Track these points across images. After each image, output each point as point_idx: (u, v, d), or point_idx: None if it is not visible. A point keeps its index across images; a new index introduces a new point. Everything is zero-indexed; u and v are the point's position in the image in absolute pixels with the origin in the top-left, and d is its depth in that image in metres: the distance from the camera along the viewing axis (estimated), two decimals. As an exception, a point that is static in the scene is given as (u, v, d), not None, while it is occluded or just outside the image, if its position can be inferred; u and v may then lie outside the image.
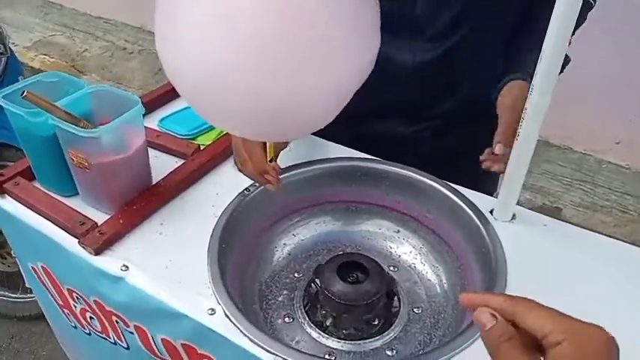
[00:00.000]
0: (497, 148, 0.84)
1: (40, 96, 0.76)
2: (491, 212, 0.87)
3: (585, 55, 2.25)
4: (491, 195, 0.94)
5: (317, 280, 0.84)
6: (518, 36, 0.97)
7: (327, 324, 0.82)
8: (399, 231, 0.98)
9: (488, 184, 1.11)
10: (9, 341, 1.89)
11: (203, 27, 0.48)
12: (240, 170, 0.89)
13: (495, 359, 0.40)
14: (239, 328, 0.69)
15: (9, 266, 1.90)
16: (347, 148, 1.03)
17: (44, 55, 3.44)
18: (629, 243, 0.83)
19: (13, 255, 1.15)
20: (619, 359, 0.36)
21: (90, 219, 0.84)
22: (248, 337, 0.69)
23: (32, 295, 1.90)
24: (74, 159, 0.82)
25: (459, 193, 0.90)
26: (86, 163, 0.81)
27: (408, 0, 0.93)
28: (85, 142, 0.78)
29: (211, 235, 0.83)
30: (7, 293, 1.93)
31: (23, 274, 1.08)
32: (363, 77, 0.54)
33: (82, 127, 0.79)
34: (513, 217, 0.86)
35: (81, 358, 1.19)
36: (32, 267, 0.98)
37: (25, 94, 0.75)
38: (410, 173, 0.95)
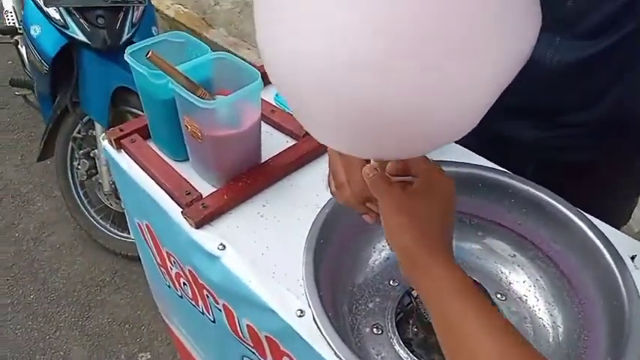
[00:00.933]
0: None
1: (164, 59, 0.75)
2: (632, 259, 0.74)
3: None
4: (618, 228, 0.80)
5: (413, 293, 0.78)
6: None
7: (417, 343, 0.76)
8: (514, 255, 0.87)
9: (617, 212, 0.96)
10: (112, 276, 2.04)
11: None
12: (332, 194, 0.69)
13: (376, 194, 0.55)
14: (325, 338, 0.65)
15: (122, 207, 2.03)
16: (468, 150, 0.93)
17: (179, 4, 3.57)
18: None
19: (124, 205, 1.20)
20: (453, 199, 0.55)
21: (196, 190, 0.83)
22: (333, 349, 0.64)
23: (137, 237, 2.04)
24: (189, 127, 0.80)
25: (597, 228, 0.77)
26: (199, 134, 0.79)
27: None
28: (201, 112, 0.76)
29: (311, 229, 0.78)
30: (116, 231, 2.07)
31: (129, 225, 1.12)
32: (517, 68, 0.43)
33: (199, 96, 0.76)
34: (662, 269, 0.73)
35: (169, 313, 1.23)
36: (138, 223, 1.01)
37: (149, 54, 0.73)
38: (541, 194, 0.83)
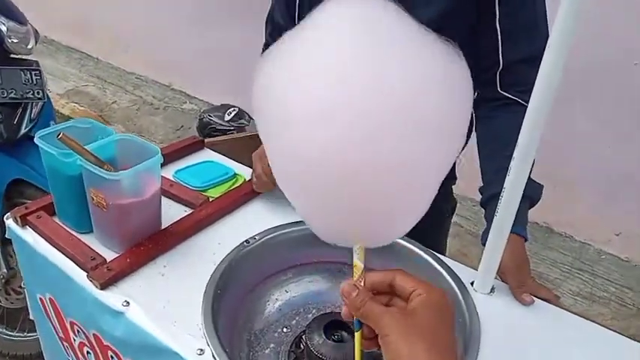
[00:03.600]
0: (527, 300, 0.90)
1: (74, 139, 0.86)
2: (472, 284, 0.93)
3: (586, 150, 2.36)
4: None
5: (303, 337, 0.89)
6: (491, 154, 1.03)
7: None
8: (386, 295, 1.03)
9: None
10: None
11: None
12: (255, 188, 1.09)
13: (361, 317, 0.52)
14: (224, 371, 0.74)
15: (12, 303, 1.94)
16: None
17: (75, 103, 3.63)
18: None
19: (23, 286, 1.21)
20: (453, 310, 0.52)
21: (100, 255, 0.91)
22: (232, 379, 0.73)
23: (30, 335, 1.94)
24: (94, 198, 0.90)
25: (443, 262, 0.96)
26: (105, 203, 0.89)
27: None
28: (107, 183, 0.87)
29: (208, 281, 0.89)
30: (5, 331, 1.97)
31: (29, 305, 1.14)
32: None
33: (105, 170, 0.87)
34: (492, 289, 0.92)
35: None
36: (40, 298, 1.04)
37: (60, 135, 0.84)
38: (403, 242, 1.01)
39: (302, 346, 0.90)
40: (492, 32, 0.99)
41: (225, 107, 2.71)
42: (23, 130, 1.81)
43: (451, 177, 1.24)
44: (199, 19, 3.40)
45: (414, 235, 1.02)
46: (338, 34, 0.49)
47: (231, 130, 2.63)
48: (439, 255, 0.97)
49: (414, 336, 0.49)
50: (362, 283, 0.53)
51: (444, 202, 1.25)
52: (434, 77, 0.49)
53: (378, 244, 0.55)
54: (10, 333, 1.97)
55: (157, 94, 3.77)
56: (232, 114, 2.66)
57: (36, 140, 0.93)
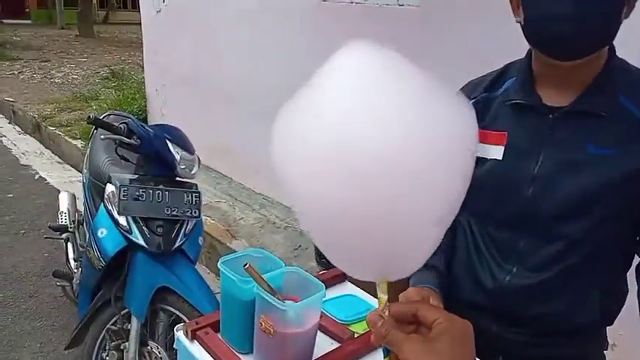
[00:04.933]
0: None
1: (256, 270, 0.99)
2: None
3: None
4: None
5: None
6: None
7: None
8: None
9: None
10: None
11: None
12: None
13: (387, 344, 0.57)
14: None
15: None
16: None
17: (207, 216, 3.99)
18: None
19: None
20: (473, 340, 0.56)
21: (260, 378, 0.99)
22: None
23: None
24: (263, 324, 1.00)
25: None
26: (272, 330, 0.98)
27: (515, 235, 1.10)
28: (277, 312, 0.97)
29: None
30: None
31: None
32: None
33: (278, 299, 0.98)
34: None
35: None
36: (193, 409, 1.12)
37: (247, 266, 0.97)
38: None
39: None
40: None
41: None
42: (178, 244, 2.04)
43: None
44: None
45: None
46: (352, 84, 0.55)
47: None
48: None
49: (434, 358, 0.53)
50: (386, 313, 0.59)
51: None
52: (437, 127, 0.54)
53: (398, 277, 0.61)
54: None
55: (280, 214, 4.03)
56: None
57: (220, 265, 1.07)
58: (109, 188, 2.06)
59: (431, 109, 0.55)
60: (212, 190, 4.46)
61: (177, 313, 2.02)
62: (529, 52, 1.13)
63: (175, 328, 1.16)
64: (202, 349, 1.09)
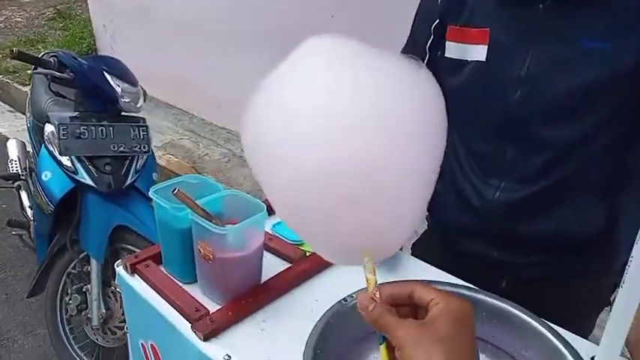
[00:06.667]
0: None
1: (187, 194, 0.90)
2: (592, 359, 0.85)
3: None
4: (585, 337, 0.92)
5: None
6: None
7: None
8: (491, 365, 0.96)
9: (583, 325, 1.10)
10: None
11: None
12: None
13: (379, 329, 0.51)
14: None
15: (107, 342, 2.03)
16: (440, 271, 1.07)
17: (171, 154, 3.87)
18: None
19: (124, 329, 1.26)
20: (473, 320, 0.50)
21: (204, 307, 0.93)
22: None
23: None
24: (202, 250, 0.93)
25: (560, 335, 0.88)
26: (211, 256, 0.91)
27: (500, 146, 1.01)
28: (215, 237, 0.90)
29: (308, 340, 0.87)
30: (97, 368, 2.05)
31: (130, 350, 1.18)
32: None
33: (214, 224, 0.90)
34: (617, 369, 0.83)
35: None
36: (142, 343, 1.07)
37: (176, 191, 0.89)
38: (509, 307, 0.95)
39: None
40: None
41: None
42: (129, 181, 1.94)
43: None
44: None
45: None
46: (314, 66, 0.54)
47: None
48: (553, 325, 0.90)
49: (429, 346, 0.47)
50: (377, 295, 0.53)
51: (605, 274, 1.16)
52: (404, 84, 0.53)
53: (383, 255, 0.57)
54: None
55: (245, 147, 3.93)
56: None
57: (151, 194, 0.98)
58: (48, 128, 1.93)
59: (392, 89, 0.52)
60: (173, 127, 4.30)
61: (137, 251, 1.95)
62: None
63: (115, 264, 1.09)
64: (143, 282, 1.02)
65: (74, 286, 2.02)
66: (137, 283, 1.03)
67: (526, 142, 1.02)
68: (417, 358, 0.47)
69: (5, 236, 2.99)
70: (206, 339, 0.88)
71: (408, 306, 0.53)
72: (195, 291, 0.99)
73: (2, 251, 2.93)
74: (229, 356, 0.85)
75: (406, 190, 0.53)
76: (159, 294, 0.99)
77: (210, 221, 0.91)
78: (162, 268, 1.06)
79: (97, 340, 2.03)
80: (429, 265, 1.09)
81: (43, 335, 2.18)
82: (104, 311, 1.95)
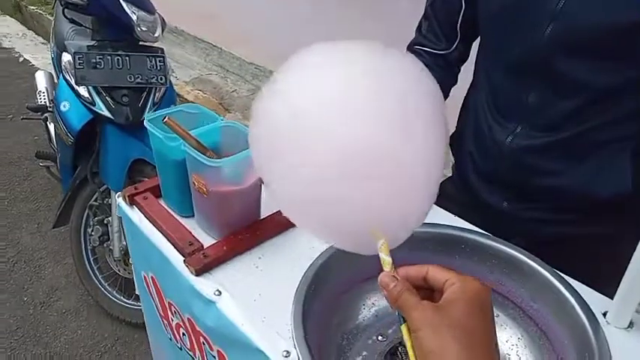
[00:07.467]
0: None
1: (178, 123, 0.85)
2: (604, 315, 0.79)
3: None
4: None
5: (399, 350, 0.81)
6: None
7: (402, 396, 0.79)
8: (498, 315, 0.91)
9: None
10: (114, 342, 2.06)
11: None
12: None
13: (399, 308, 0.50)
14: (310, 377, 0.69)
15: (129, 273, 2.08)
16: (452, 215, 1.01)
17: (199, 90, 3.83)
18: None
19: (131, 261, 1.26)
20: (490, 301, 0.49)
21: (198, 241, 0.90)
22: (317, 388, 0.68)
23: (140, 304, 2.08)
24: (196, 183, 0.89)
25: (571, 286, 0.82)
26: (205, 189, 0.88)
27: (523, 86, 0.91)
28: (208, 170, 0.85)
29: (302, 278, 0.84)
30: (122, 298, 2.12)
31: (135, 280, 1.18)
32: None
33: (208, 157, 0.86)
34: (630, 324, 0.77)
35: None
36: (144, 275, 1.07)
37: (165, 119, 0.84)
38: (520, 256, 0.89)
39: (398, 358, 0.82)
40: None
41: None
42: (146, 113, 1.91)
43: None
44: (317, 16, 3.41)
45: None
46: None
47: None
48: (565, 276, 0.84)
49: (444, 329, 0.46)
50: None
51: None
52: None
53: (398, 239, 0.57)
54: (125, 300, 2.12)
55: (273, 84, 3.85)
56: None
57: (145, 123, 0.94)
58: (65, 57, 1.90)
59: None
60: (202, 62, 4.24)
61: (156, 184, 1.96)
62: None
63: (116, 195, 1.07)
64: (142, 215, 1.00)
65: (96, 218, 2.05)
66: (136, 215, 1.01)
67: (553, 85, 0.92)
68: (430, 343, 0.46)
69: (37, 168, 3.07)
70: (198, 274, 0.86)
71: (423, 289, 0.52)
72: (192, 225, 0.97)
73: (34, 183, 3.01)
74: (220, 292, 0.83)
75: (419, 175, 0.54)
76: (155, 227, 0.97)
77: (205, 153, 0.87)
78: (161, 201, 1.03)
79: (118, 271, 2.09)
80: (440, 208, 1.03)
81: (71, 264, 2.25)
82: (124, 243, 1.98)
